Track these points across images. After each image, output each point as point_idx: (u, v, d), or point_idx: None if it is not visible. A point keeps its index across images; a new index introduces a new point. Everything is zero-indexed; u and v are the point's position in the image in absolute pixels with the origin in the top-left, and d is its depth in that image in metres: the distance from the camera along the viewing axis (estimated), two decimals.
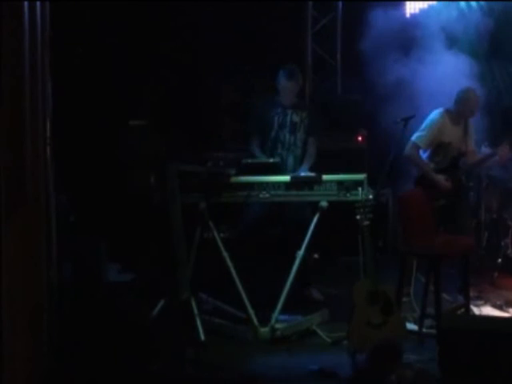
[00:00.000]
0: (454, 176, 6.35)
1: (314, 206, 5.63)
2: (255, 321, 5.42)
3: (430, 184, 6.23)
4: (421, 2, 8.07)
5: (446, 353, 4.31)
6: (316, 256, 7.29)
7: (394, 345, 4.89)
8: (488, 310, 6.04)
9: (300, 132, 6.27)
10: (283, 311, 5.49)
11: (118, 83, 7.43)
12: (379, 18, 7.29)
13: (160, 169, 5.51)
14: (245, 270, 5.63)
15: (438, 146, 6.39)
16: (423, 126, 6.28)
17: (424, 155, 6.43)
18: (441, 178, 6.30)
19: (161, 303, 5.55)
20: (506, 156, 6.35)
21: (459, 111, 6.38)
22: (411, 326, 5.41)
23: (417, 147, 6.30)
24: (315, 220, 5.57)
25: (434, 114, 6.35)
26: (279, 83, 6.20)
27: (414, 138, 6.18)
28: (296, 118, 6.25)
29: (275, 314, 5.43)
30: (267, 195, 5.61)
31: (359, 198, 5.32)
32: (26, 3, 3.92)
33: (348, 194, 5.54)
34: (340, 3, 8.42)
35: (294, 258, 5.55)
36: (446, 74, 6.89)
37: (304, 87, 8.43)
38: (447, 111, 6.39)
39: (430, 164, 6.39)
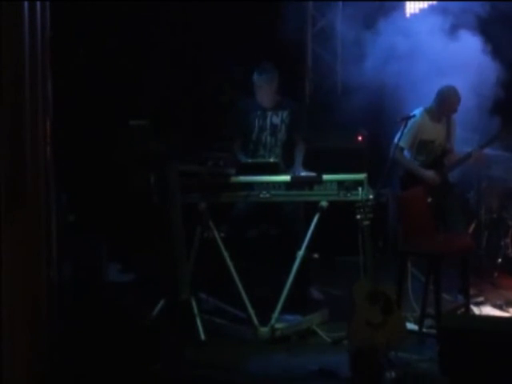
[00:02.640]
0: (439, 173, 6.38)
1: (313, 206, 5.63)
2: (255, 321, 5.42)
3: (415, 182, 6.24)
4: (421, 2, 8.08)
5: (446, 353, 4.31)
6: (316, 256, 7.28)
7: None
8: (488, 310, 6.04)
9: (281, 133, 6.16)
10: (283, 311, 5.49)
11: (118, 83, 7.44)
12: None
13: (160, 169, 5.50)
14: (245, 269, 5.64)
15: (421, 145, 6.44)
16: (407, 127, 6.24)
17: (407, 155, 6.46)
18: (429, 174, 6.34)
19: (161, 303, 5.55)
20: (479, 159, 6.48)
21: (440, 109, 6.44)
22: (411, 326, 5.41)
23: (400, 148, 6.32)
24: (315, 220, 5.57)
25: (415, 114, 6.36)
26: (253, 83, 6.11)
27: (396, 139, 6.13)
28: (276, 120, 6.15)
29: (275, 314, 5.43)
30: (267, 195, 5.61)
31: (359, 197, 5.32)
32: (25, 3, 3.92)
33: (348, 194, 5.54)
34: (340, 3, 8.41)
35: (293, 258, 5.55)
36: (449, 72, 6.87)
37: (304, 87, 8.47)
38: (427, 110, 6.46)
39: (416, 163, 6.44)
